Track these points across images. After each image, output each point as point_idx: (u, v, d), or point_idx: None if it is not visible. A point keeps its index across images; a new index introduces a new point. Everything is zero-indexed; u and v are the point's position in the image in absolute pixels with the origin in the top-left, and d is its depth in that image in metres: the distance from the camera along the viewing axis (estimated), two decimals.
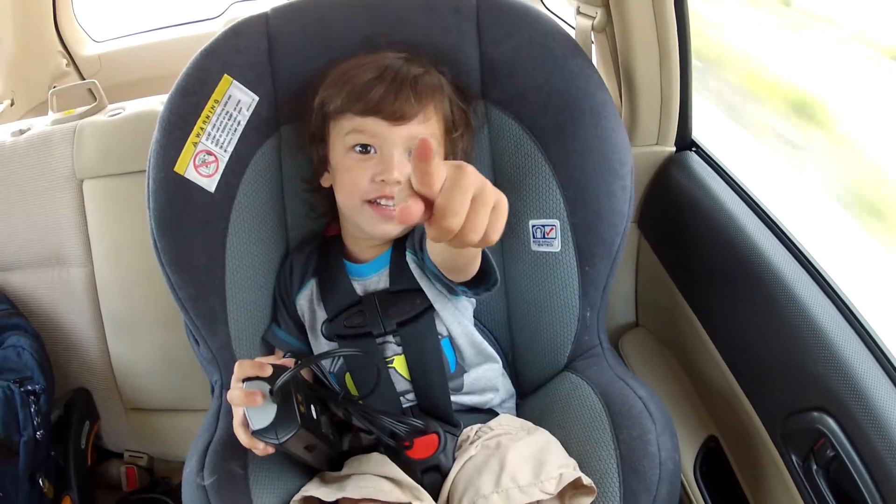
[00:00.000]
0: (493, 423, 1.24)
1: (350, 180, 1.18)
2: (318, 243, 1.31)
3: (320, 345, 1.27)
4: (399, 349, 1.23)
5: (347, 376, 1.24)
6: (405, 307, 1.22)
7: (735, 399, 1.28)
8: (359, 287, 1.25)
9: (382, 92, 1.14)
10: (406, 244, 1.23)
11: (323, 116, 1.21)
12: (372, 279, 1.25)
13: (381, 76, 1.16)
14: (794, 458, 1.11)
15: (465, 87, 1.27)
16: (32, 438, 1.53)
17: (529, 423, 1.25)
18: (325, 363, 1.26)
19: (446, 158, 1.20)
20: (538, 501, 1.09)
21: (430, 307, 1.22)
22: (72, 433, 1.74)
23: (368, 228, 1.21)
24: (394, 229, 1.19)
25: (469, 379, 1.26)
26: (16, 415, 1.52)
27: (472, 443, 1.20)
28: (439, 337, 1.23)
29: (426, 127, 1.17)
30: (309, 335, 1.29)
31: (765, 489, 1.24)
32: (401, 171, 1.14)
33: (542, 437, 1.19)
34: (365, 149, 1.16)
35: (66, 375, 1.82)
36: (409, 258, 1.23)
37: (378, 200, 1.16)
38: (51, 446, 1.65)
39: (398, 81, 1.15)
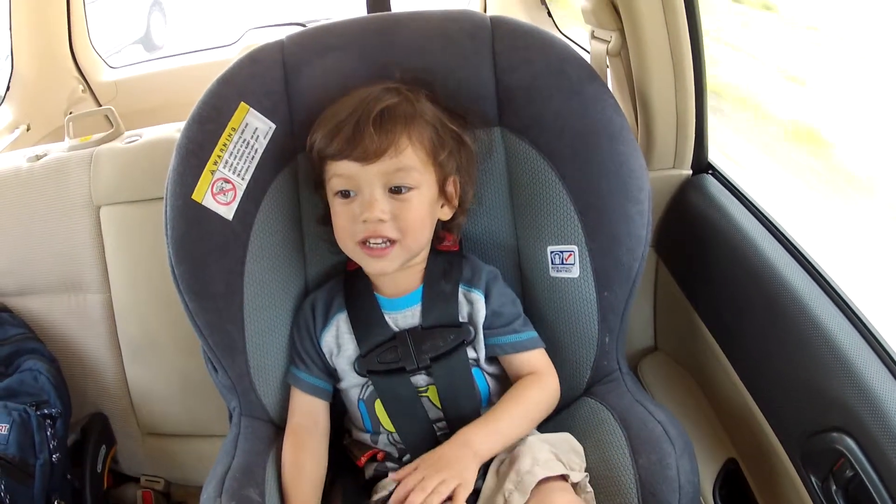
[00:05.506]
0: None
1: (339, 225, 1.18)
2: (341, 278, 1.31)
3: (347, 379, 1.27)
4: (431, 379, 1.23)
5: (378, 403, 1.25)
6: (438, 342, 1.23)
7: (754, 421, 1.28)
8: (391, 321, 1.25)
9: (349, 133, 1.13)
10: (448, 278, 1.25)
11: (314, 160, 1.21)
12: (406, 313, 1.25)
13: (349, 116, 1.15)
14: (813, 478, 1.10)
15: (455, 107, 1.26)
16: (48, 461, 1.54)
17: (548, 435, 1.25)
18: (355, 391, 1.27)
19: (437, 181, 1.20)
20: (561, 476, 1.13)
21: (463, 342, 1.23)
22: (88, 457, 1.75)
23: (366, 268, 1.22)
24: (388, 265, 1.18)
25: None
26: (32, 438, 1.52)
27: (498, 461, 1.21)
28: (471, 366, 1.24)
29: (401, 159, 1.14)
30: (337, 370, 1.28)
31: None
32: (382, 210, 1.14)
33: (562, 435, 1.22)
34: (346, 194, 1.16)
35: (83, 400, 1.83)
36: (463, 291, 1.25)
37: (367, 241, 1.16)
38: (67, 469, 1.65)
39: (363, 120, 1.13)
